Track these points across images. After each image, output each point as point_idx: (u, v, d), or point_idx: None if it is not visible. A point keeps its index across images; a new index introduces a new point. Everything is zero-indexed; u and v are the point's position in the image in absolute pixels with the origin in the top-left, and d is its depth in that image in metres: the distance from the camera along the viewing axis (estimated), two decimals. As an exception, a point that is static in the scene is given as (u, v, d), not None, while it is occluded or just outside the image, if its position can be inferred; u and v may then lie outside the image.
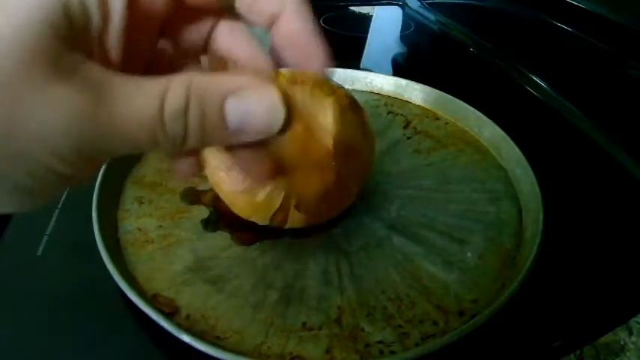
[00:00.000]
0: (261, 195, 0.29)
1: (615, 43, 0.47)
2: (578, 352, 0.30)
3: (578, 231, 0.35)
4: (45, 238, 0.33)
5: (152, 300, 0.28)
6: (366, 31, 0.76)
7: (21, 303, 0.30)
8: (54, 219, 0.35)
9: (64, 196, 0.37)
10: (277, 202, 0.29)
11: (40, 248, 0.33)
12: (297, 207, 0.29)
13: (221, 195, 0.31)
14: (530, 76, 0.56)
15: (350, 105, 0.30)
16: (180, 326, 0.25)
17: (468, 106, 0.44)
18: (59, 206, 0.36)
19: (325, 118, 0.29)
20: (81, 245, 0.32)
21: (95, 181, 0.34)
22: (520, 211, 0.36)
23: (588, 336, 0.29)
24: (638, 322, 0.32)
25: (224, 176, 0.29)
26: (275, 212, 0.29)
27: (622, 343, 0.31)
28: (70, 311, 0.29)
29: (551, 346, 0.28)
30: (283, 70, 0.31)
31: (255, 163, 0.18)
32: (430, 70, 0.47)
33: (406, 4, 0.85)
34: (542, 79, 0.55)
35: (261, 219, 0.30)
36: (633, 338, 0.31)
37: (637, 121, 0.44)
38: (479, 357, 0.27)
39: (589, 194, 0.39)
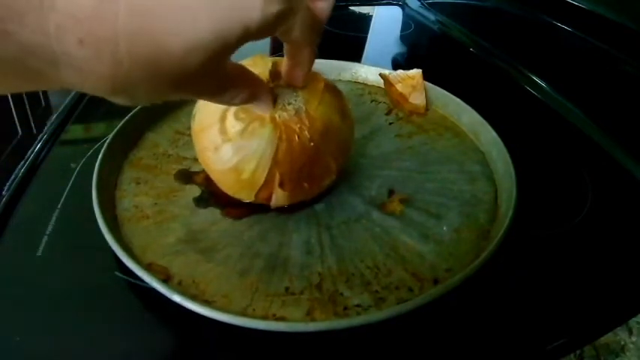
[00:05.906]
0: (246, 172, 0.31)
1: (615, 43, 0.47)
2: (578, 352, 0.30)
3: (577, 229, 0.36)
4: (45, 238, 0.33)
5: (147, 268, 0.29)
6: (366, 31, 0.77)
7: (21, 303, 0.30)
8: (54, 219, 0.35)
9: (64, 196, 0.37)
10: (261, 179, 0.31)
11: (40, 248, 0.33)
12: (281, 184, 0.31)
13: (210, 174, 0.33)
14: (531, 76, 0.57)
15: (327, 88, 0.33)
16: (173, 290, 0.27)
17: (447, 92, 0.46)
18: (59, 206, 0.36)
19: (305, 99, 0.31)
20: (81, 245, 0.33)
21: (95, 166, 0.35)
22: (496, 191, 0.37)
23: (588, 336, 0.29)
24: (638, 322, 0.32)
25: (212, 156, 0.31)
26: (259, 189, 0.31)
27: (622, 343, 0.31)
28: (71, 311, 0.29)
29: (551, 346, 0.28)
30: (270, 58, 0.33)
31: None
32: (430, 70, 0.47)
33: (406, 4, 0.86)
34: (542, 79, 0.55)
35: (247, 195, 0.32)
36: (633, 338, 0.31)
37: (637, 121, 0.44)
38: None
39: (588, 194, 0.39)
